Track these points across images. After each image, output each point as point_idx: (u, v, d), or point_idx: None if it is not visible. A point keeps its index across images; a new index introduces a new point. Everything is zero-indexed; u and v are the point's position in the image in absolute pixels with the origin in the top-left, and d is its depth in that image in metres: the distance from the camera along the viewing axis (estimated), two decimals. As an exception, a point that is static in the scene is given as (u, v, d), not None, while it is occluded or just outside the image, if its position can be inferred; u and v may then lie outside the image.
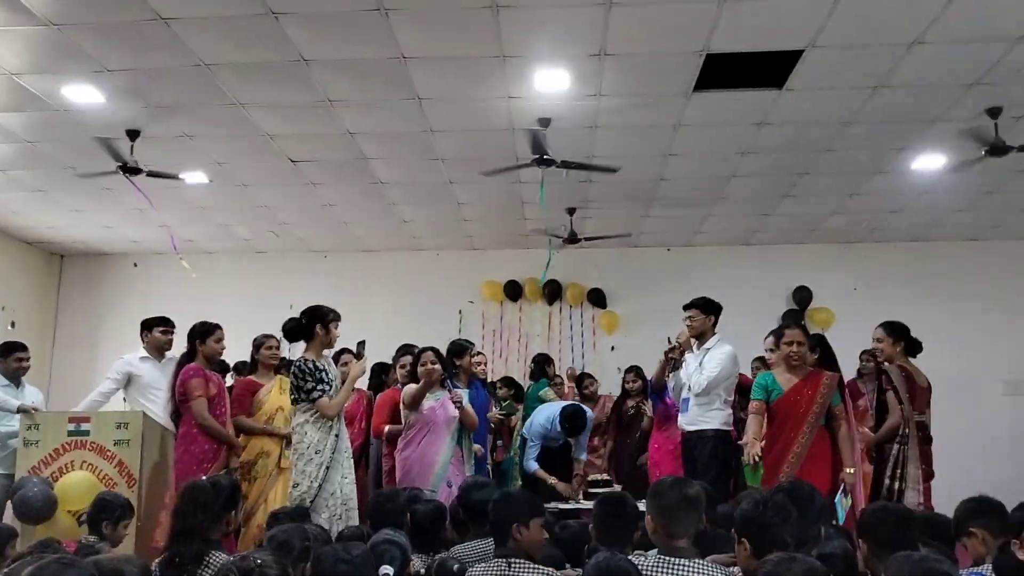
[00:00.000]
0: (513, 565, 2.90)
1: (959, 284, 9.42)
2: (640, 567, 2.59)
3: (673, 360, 5.68)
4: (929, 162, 7.10)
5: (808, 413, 4.88)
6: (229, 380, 6.47)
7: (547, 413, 6.25)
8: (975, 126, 6.15)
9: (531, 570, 2.89)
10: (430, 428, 5.20)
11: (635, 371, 7.10)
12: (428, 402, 5.25)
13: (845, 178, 7.61)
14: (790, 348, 4.99)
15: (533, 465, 6.22)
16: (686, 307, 5.63)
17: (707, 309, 5.60)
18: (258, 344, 5.90)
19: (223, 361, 6.30)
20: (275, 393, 5.74)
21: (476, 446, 5.64)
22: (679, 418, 5.60)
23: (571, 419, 6.03)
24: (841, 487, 4.78)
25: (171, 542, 3.02)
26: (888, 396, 5.16)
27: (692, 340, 5.65)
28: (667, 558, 2.68)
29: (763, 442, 4.89)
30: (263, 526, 5.36)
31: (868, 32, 5.03)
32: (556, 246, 8.68)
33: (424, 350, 5.36)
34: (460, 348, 5.90)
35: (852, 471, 4.85)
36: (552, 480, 6.13)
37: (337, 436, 4.64)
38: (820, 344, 5.34)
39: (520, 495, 3.38)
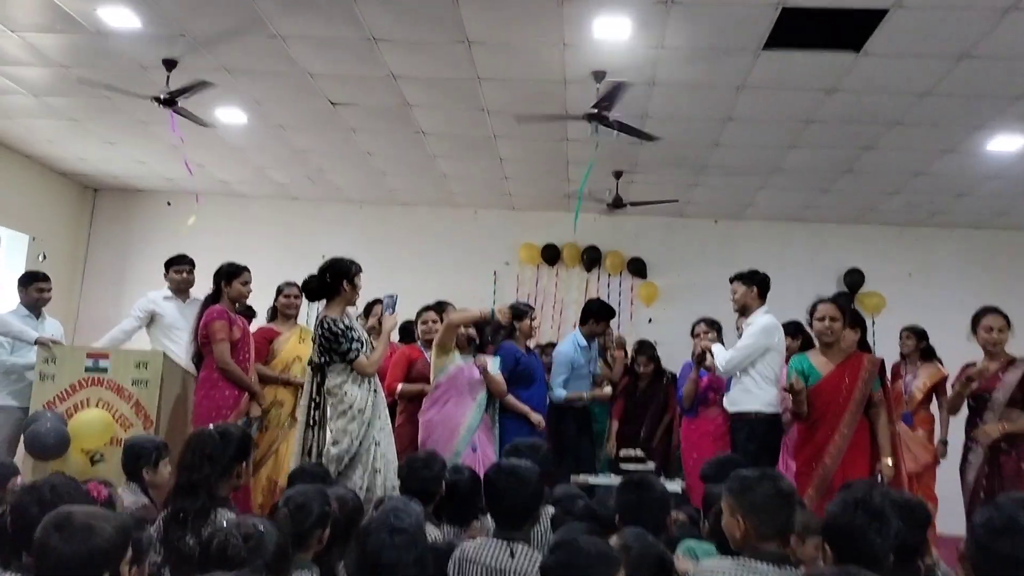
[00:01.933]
0: (516, 551, 2.68)
1: (1018, 276, 8.94)
2: (713, 573, 2.29)
3: (702, 365, 5.38)
4: (1006, 143, 6.64)
5: (849, 402, 4.56)
6: (256, 326, 6.29)
7: (568, 339, 6.14)
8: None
9: (534, 560, 2.68)
10: (455, 390, 5.02)
11: (649, 354, 6.62)
12: (455, 364, 5.04)
13: (912, 155, 7.17)
14: (822, 324, 4.65)
15: (562, 392, 5.89)
16: (730, 280, 5.33)
17: (749, 280, 5.25)
18: (278, 291, 5.69)
19: (249, 306, 6.10)
20: (293, 342, 5.54)
21: (537, 416, 5.43)
22: (724, 398, 5.29)
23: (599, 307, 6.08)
24: (879, 479, 4.48)
25: (175, 496, 2.78)
26: None
27: (737, 315, 5.34)
28: (756, 563, 2.31)
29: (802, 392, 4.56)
30: (273, 477, 5.20)
31: (962, -7, 4.61)
32: (600, 210, 8.34)
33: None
34: (520, 312, 5.70)
35: (891, 462, 4.53)
36: (587, 394, 5.97)
37: (375, 391, 4.42)
38: (859, 324, 5.01)
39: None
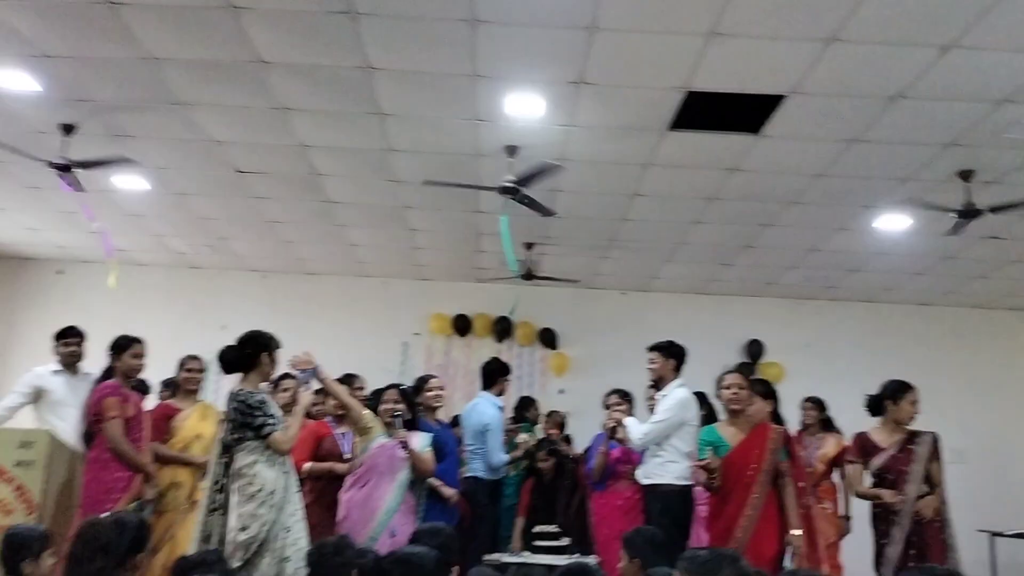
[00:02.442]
0: None
1: (909, 348, 9.37)
2: None
3: (614, 438, 5.39)
4: (893, 222, 7.03)
5: (758, 472, 4.60)
6: (152, 401, 5.99)
7: (485, 403, 6.01)
8: (946, 187, 6.07)
9: None
10: (375, 470, 4.79)
11: (550, 449, 6.34)
12: (378, 441, 4.84)
13: (808, 232, 7.50)
14: (730, 392, 4.72)
15: (505, 457, 5.89)
16: (649, 350, 5.37)
17: (668, 352, 5.32)
18: (180, 364, 5.45)
19: (144, 381, 5.82)
20: (194, 419, 5.28)
21: (450, 491, 5.25)
22: (638, 471, 5.28)
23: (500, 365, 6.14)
24: (789, 551, 4.52)
25: (62, 593, 2.56)
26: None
27: (651, 389, 5.39)
28: None
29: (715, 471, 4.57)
30: (169, 565, 4.86)
31: (852, 82, 4.91)
32: (511, 281, 8.37)
33: (387, 388, 5.03)
34: (419, 383, 5.52)
35: (799, 533, 4.57)
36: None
37: (287, 473, 4.21)
38: (772, 395, 5.11)
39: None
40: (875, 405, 5.05)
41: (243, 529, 3.95)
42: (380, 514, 4.68)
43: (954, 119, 5.26)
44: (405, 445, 4.81)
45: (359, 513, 4.68)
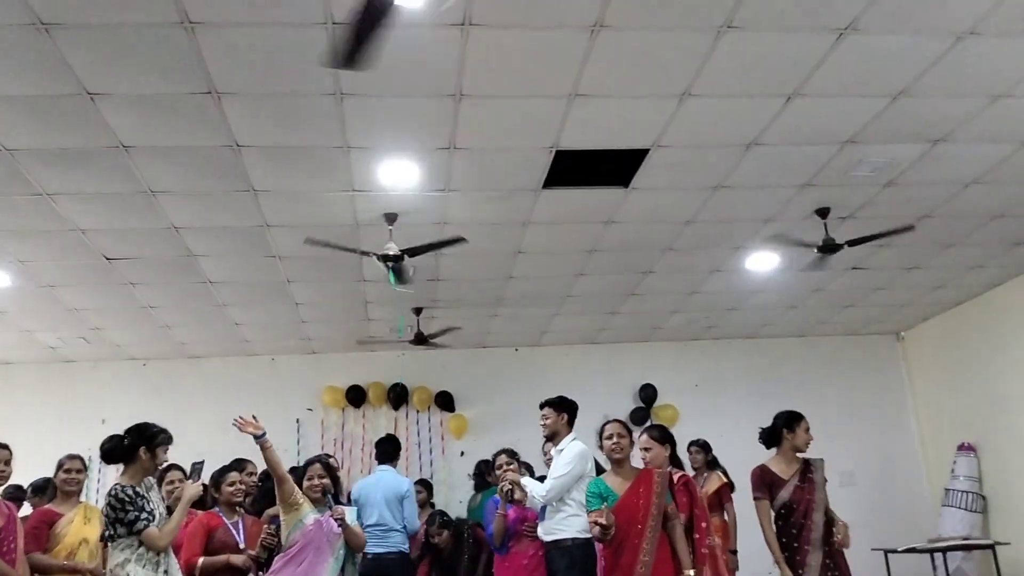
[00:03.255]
0: None
1: (789, 379, 9.77)
2: None
3: (511, 500, 5.38)
4: (762, 260, 7.37)
5: (648, 516, 4.64)
6: (27, 509, 5.61)
7: (393, 474, 6.18)
8: (806, 224, 6.42)
9: None
10: (313, 547, 4.60)
11: (441, 520, 6.52)
12: (311, 517, 4.68)
13: (685, 277, 7.77)
14: (611, 442, 4.80)
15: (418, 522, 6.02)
16: (541, 406, 5.41)
17: (560, 407, 5.37)
18: (59, 466, 5.14)
19: (19, 486, 5.45)
20: (77, 523, 4.96)
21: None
22: (539, 528, 5.26)
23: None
24: None
25: None
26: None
27: (547, 442, 5.42)
28: None
29: (611, 527, 4.58)
30: None
31: (709, 133, 5.16)
32: (403, 348, 8.31)
33: (312, 461, 4.95)
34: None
35: (692, 573, 4.64)
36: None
37: (166, 572, 3.98)
38: (668, 440, 5.21)
39: None
40: (770, 437, 5.23)
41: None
42: None
43: (806, 161, 5.59)
44: (341, 520, 4.70)
45: None
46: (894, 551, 7.94)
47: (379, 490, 6.04)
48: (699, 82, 4.57)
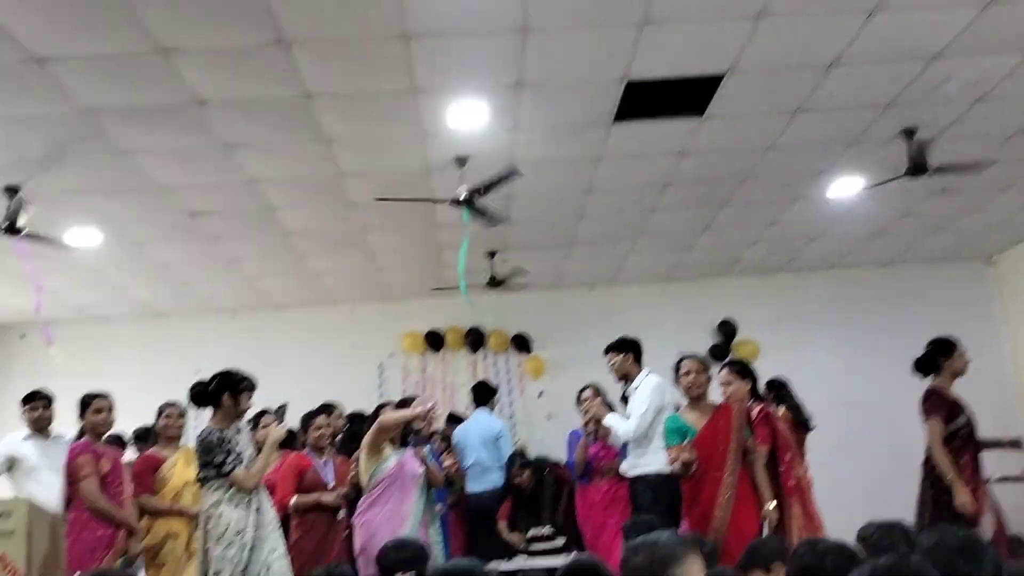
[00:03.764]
0: None
1: (875, 309, 9.48)
2: None
3: (593, 434, 5.41)
4: (846, 186, 7.11)
5: (728, 451, 4.63)
6: (131, 455, 5.91)
7: (490, 419, 6.55)
8: (892, 147, 6.16)
9: None
10: (398, 487, 4.78)
11: (522, 462, 6.39)
12: (394, 459, 4.83)
13: (764, 207, 7.57)
14: (688, 378, 4.78)
15: None
16: (605, 351, 5.44)
17: (621, 348, 5.39)
18: (159, 412, 5.38)
19: (119, 435, 5.73)
20: (181, 466, 5.21)
21: (438, 505, 5.38)
22: (622, 464, 5.30)
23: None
24: (766, 523, 4.57)
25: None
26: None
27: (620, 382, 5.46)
28: None
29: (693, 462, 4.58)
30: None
31: (787, 55, 4.96)
32: (478, 291, 8.36)
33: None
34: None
35: (773, 506, 4.61)
36: None
37: (259, 510, 4.16)
38: (749, 375, 5.15)
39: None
40: (927, 364, 5.17)
41: (216, 574, 3.89)
42: (408, 526, 4.68)
43: (890, 80, 5.33)
44: (424, 459, 4.89)
45: (387, 529, 4.61)
46: (987, 480, 7.72)
47: (475, 432, 6.25)
48: (775, 1, 4.38)
